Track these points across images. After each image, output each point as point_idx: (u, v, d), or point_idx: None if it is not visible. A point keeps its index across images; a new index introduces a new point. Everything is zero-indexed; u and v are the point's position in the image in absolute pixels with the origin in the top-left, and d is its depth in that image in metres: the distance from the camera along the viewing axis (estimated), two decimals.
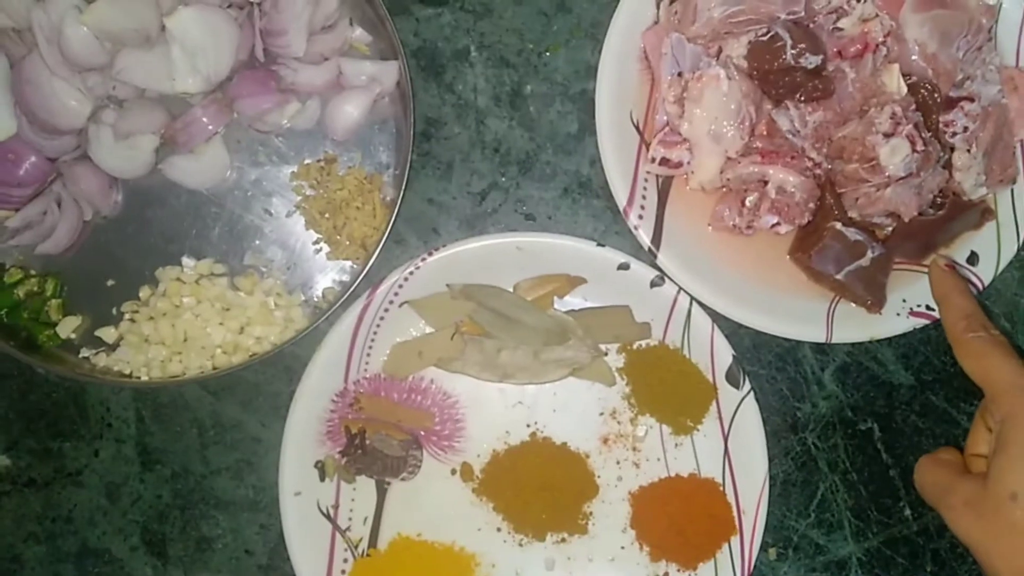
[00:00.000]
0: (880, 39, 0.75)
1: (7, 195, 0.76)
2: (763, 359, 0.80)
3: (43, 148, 0.75)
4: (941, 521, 0.79)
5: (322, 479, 0.76)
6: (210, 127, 0.75)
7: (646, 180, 0.77)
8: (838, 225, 0.75)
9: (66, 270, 0.78)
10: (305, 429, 0.75)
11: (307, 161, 0.78)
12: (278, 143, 0.79)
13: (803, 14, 0.74)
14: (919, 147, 0.72)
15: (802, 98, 0.75)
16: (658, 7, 0.77)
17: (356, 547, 0.76)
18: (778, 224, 0.75)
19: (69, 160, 0.76)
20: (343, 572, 0.76)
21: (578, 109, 0.80)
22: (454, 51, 0.80)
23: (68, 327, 0.77)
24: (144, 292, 0.77)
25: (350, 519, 0.77)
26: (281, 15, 0.75)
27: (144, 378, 0.75)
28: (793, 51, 0.72)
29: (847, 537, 0.80)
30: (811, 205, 0.76)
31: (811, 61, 0.73)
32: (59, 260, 0.78)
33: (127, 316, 0.77)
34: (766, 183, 0.75)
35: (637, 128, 0.77)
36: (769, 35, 0.74)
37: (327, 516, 0.76)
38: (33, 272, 0.78)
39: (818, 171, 0.76)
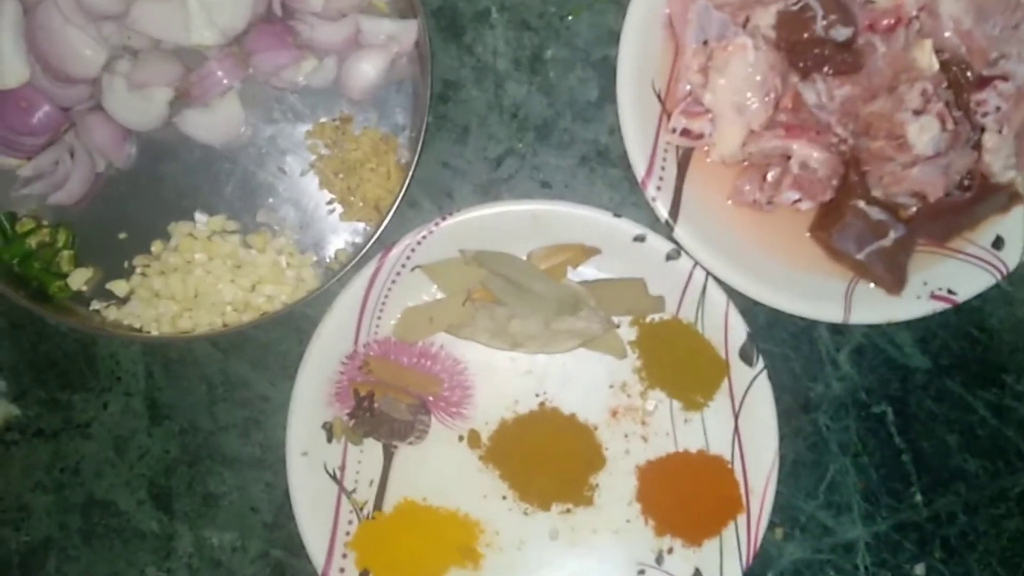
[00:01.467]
0: (913, 13, 0.73)
1: (19, 143, 0.75)
2: (777, 337, 0.79)
3: (56, 97, 0.74)
4: (952, 508, 0.79)
5: (329, 440, 0.76)
6: (225, 81, 0.74)
7: (666, 151, 0.75)
8: (861, 203, 0.73)
9: (78, 222, 0.77)
10: (314, 390, 0.75)
11: (322, 120, 0.77)
12: (293, 100, 0.78)
13: None
14: (949, 126, 0.70)
15: (830, 72, 0.73)
16: None
17: (361, 509, 0.76)
18: (800, 200, 0.74)
19: (83, 110, 0.75)
20: (348, 534, 0.76)
21: (599, 76, 0.79)
22: (475, 12, 0.79)
23: (79, 279, 0.76)
24: (156, 246, 0.77)
25: (356, 481, 0.77)
26: None
27: (154, 333, 0.75)
28: (824, 22, 0.70)
29: (855, 520, 0.79)
30: (834, 182, 0.74)
31: (841, 33, 0.71)
32: (71, 211, 0.77)
33: (138, 270, 0.76)
34: (789, 158, 0.74)
35: (659, 97, 0.76)
36: (799, 5, 0.71)
37: (333, 477, 0.76)
38: (45, 223, 0.77)
39: (843, 147, 0.74)
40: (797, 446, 0.79)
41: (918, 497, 0.80)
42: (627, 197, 0.79)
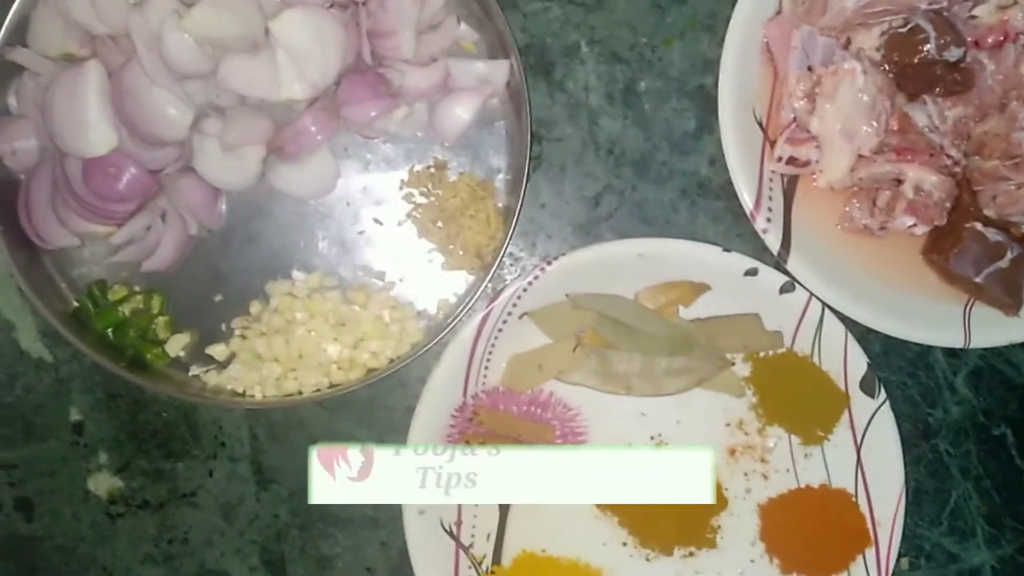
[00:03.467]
0: (1021, 27, 0.71)
1: (109, 210, 0.73)
2: (894, 364, 0.77)
3: (145, 160, 0.72)
4: None
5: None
6: (319, 137, 0.72)
7: (771, 180, 0.73)
8: (978, 226, 0.72)
9: (172, 286, 0.75)
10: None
11: (416, 167, 0.75)
12: (386, 149, 0.75)
13: (944, 3, 0.70)
14: None
15: (941, 92, 0.71)
16: None
17: (480, 564, 0.75)
18: (915, 225, 0.72)
19: (173, 173, 0.73)
20: None
21: (695, 106, 0.77)
22: (563, 47, 0.76)
23: (177, 345, 0.74)
24: (255, 307, 0.74)
25: (473, 536, 0.75)
26: (389, 15, 0.71)
27: (258, 396, 0.73)
28: (938, 43, 0.69)
29: (980, 545, 0.78)
30: (948, 205, 0.72)
31: (954, 54, 0.69)
32: (164, 276, 0.75)
33: (238, 332, 0.74)
34: (900, 182, 0.72)
35: (760, 125, 0.74)
36: (909, 27, 0.70)
37: (450, 533, 0.74)
38: (138, 289, 0.75)
39: (956, 169, 0.72)
40: (918, 473, 0.77)
41: None
42: (731, 228, 0.77)
